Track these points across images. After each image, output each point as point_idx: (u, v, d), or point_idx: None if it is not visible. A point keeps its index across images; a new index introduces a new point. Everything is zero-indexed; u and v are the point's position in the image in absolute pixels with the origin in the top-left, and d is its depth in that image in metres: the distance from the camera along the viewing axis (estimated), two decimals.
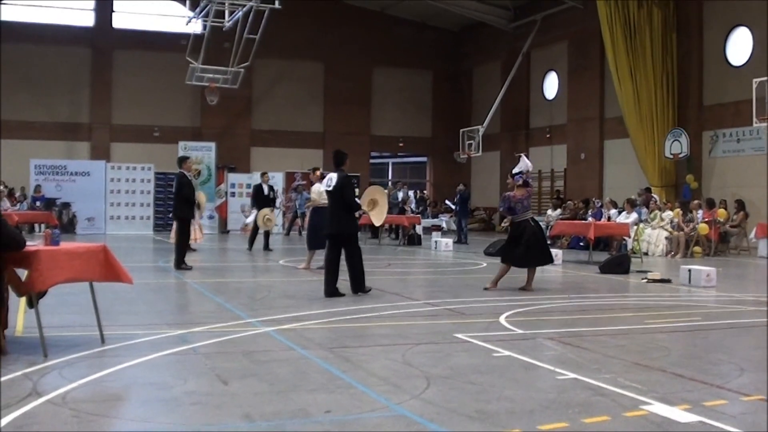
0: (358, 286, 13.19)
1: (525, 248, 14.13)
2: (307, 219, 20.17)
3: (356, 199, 13.80)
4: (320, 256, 17.88)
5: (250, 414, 5.92)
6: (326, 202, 17.68)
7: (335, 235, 13.28)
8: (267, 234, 23.58)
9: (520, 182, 14.53)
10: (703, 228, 23.90)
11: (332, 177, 13.41)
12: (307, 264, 17.90)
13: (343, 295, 12.99)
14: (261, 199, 23.73)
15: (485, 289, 14.00)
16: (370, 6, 41.78)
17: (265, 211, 23.14)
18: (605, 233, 23.13)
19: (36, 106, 37.30)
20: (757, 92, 24.54)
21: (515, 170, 14.99)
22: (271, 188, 24.41)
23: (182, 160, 18.50)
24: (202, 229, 23.54)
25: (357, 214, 13.47)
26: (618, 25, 29.35)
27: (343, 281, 13.31)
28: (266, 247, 23.24)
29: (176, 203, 18.07)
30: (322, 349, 8.36)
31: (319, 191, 17.86)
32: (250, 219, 24.71)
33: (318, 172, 18.64)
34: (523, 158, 15.40)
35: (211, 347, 8.49)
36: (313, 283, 15.21)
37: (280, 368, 7.46)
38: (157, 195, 34.31)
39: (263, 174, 25.02)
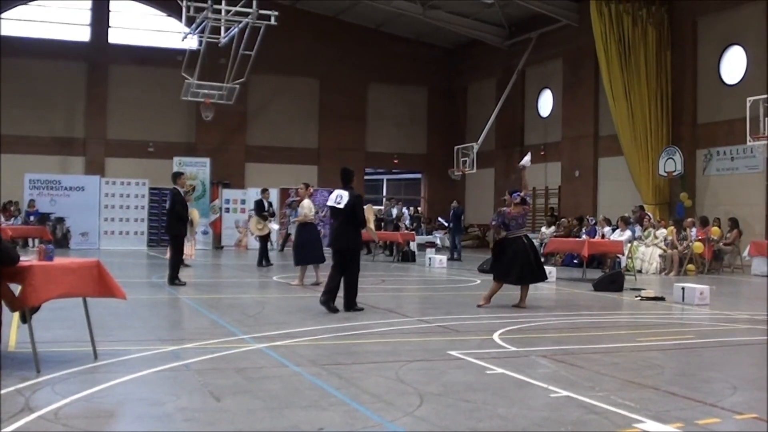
0: (351, 303, 13.22)
1: (519, 266, 14.11)
2: (293, 235, 20.18)
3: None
4: (311, 272, 18.05)
5: (242, 431, 5.91)
6: (313, 218, 17.90)
7: (343, 250, 13.36)
8: (264, 247, 23.60)
9: (518, 200, 14.50)
10: (698, 247, 23.94)
11: (342, 195, 13.53)
12: (299, 280, 17.90)
13: (337, 310, 13.01)
14: (261, 214, 23.91)
15: (478, 306, 13.98)
16: (366, 23, 41.89)
17: (259, 219, 23.31)
18: (599, 251, 23.15)
19: (31, 121, 37.31)
20: (751, 111, 24.61)
21: (522, 163, 15.02)
22: (270, 204, 24.63)
23: (176, 176, 18.53)
24: (194, 246, 23.57)
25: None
26: (612, 42, 29.45)
27: (339, 297, 13.32)
28: (261, 262, 23.23)
29: (169, 220, 18.05)
30: (315, 366, 8.35)
31: (310, 207, 17.99)
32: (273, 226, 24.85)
33: (310, 189, 18.74)
34: (527, 157, 15.40)
35: (203, 363, 8.47)
36: (306, 299, 15.23)
37: (272, 385, 7.44)
38: (151, 210, 34.28)
39: (264, 190, 25.17)
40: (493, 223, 14.81)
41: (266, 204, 24.20)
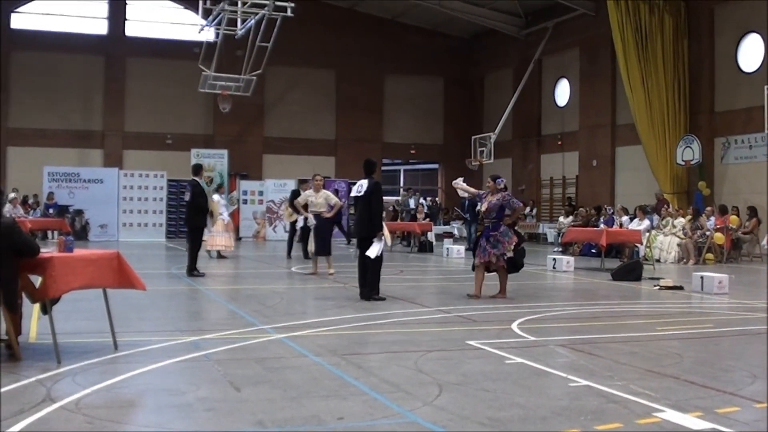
0: (371, 292, 13.27)
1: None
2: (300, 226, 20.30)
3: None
4: (322, 263, 18.10)
5: (262, 420, 5.94)
6: (325, 209, 18.00)
7: (363, 238, 13.50)
8: (291, 237, 23.56)
9: (501, 186, 14.24)
10: (718, 237, 23.82)
11: (363, 183, 13.70)
12: (314, 270, 18.04)
13: (384, 298, 13.26)
14: (293, 204, 23.92)
15: (468, 296, 13.84)
16: (382, 14, 41.84)
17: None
18: (617, 240, 23.09)
19: (49, 114, 37.48)
20: None
21: (455, 182, 14.83)
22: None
23: (197, 168, 18.65)
24: (232, 237, 23.64)
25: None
26: (629, 31, 29.33)
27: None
28: (289, 254, 23.24)
29: (190, 212, 18.08)
30: (334, 356, 8.37)
31: (327, 197, 18.16)
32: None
33: (319, 178, 18.76)
34: (459, 183, 15.10)
35: (223, 354, 8.51)
36: (324, 289, 15.28)
37: (292, 375, 7.47)
38: (169, 202, 34.35)
39: (303, 181, 25.12)
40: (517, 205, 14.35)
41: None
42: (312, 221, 18.01)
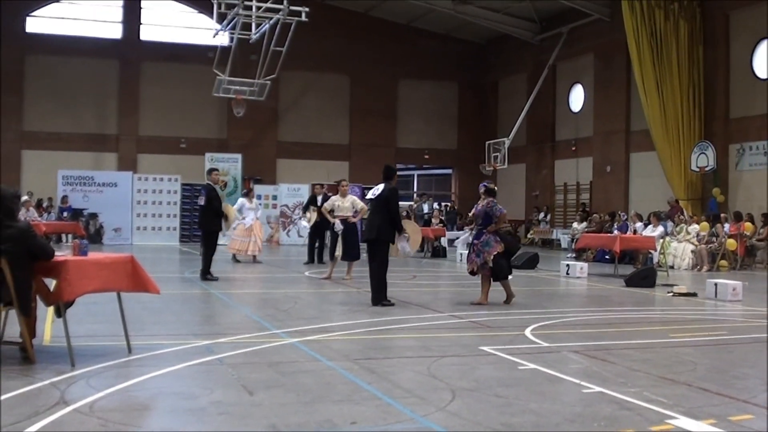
0: (378, 297, 13.27)
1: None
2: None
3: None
4: (338, 268, 18.17)
5: (276, 424, 5.95)
6: (351, 214, 18.10)
7: (371, 240, 13.50)
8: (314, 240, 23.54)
9: (482, 190, 14.15)
10: (731, 244, 23.77)
11: (379, 187, 13.76)
12: (329, 273, 18.20)
13: (393, 303, 13.23)
14: (305, 209, 24.02)
15: (472, 303, 13.79)
16: (396, 18, 41.86)
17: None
18: (631, 246, 23.07)
19: (64, 117, 37.61)
20: None
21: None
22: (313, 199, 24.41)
23: (210, 172, 18.79)
24: (260, 240, 23.64)
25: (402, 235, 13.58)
26: (644, 37, 29.28)
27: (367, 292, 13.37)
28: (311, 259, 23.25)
29: (205, 215, 18.11)
30: (347, 361, 8.39)
31: (353, 202, 18.33)
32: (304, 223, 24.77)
33: (345, 184, 18.94)
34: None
35: (237, 358, 8.52)
36: (337, 294, 15.30)
37: (305, 379, 7.48)
38: (183, 206, 34.42)
39: (316, 186, 25.08)
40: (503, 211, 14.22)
41: (319, 199, 23.88)
42: (339, 226, 18.05)
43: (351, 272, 18.01)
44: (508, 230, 39.89)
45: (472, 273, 14.02)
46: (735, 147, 28.90)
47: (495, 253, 13.48)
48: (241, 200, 23.17)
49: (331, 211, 18.45)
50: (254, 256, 23.12)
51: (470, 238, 14.06)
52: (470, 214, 14.02)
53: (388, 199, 13.46)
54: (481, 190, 14.05)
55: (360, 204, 18.48)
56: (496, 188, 14.41)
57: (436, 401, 6.68)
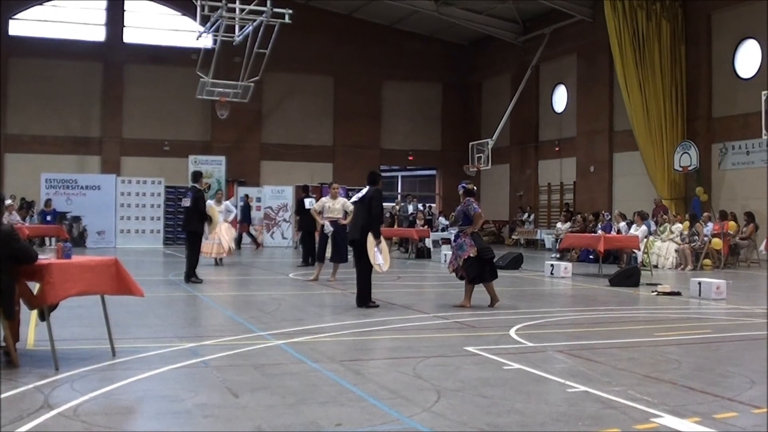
0: (363, 300, 13.27)
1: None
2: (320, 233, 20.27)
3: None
4: (325, 269, 18.20)
5: (261, 426, 5.94)
6: (341, 216, 18.15)
7: (356, 241, 13.49)
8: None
9: (461, 192, 14.05)
10: (716, 243, 23.87)
11: (363, 190, 13.86)
12: (316, 275, 18.22)
13: (377, 305, 13.25)
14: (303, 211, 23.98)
15: (455, 306, 13.68)
16: (380, 20, 41.89)
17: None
18: (615, 246, 23.10)
19: (47, 121, 37.51)
20: (766, 104, 24.47)
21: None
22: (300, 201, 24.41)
23: (198, 176, 18.86)
24: (231, 241, 23.36)
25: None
26: (627, 37, 29.40)
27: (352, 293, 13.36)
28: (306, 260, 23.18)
29: (191, 217, 18.10)
30: (332, 362, 8.38)
31: (344, 205, 18.38)
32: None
33: (335, 186, 19.10)
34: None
35: (221, 360, 8.51)
36: (322, 296, 15.29)
37: (290, 381, 7.47)
38: (167, 209, 34.30)
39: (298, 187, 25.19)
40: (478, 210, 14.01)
41: (306, 202, 23.90)
42: (329, 228, 18.10)
43: (336, 274, 18.05)
44: (492, 230, 40.10)
45: (456, 274, 13.93)
46: (718, 146, 29.04)
47: (466, 257, 13.33)
48: (209, 203, 22.90)
49: (320, 213, 18.51)
50: (215, 259, 22.48)
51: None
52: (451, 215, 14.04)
53: (372, 199, 13.47)
54: (460, 191, 14.00)
55: (351, 206, 18.49)
56: (474, 188, 14.29)
57: (422, 402, 6.68)
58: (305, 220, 23.77)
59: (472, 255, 13.26)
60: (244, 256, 28.60)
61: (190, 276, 17.41)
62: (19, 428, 5.76)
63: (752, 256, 25.34)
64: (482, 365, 8.37)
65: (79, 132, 38.38)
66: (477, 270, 13.35)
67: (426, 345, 9.67)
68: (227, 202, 24.20)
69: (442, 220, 37.58)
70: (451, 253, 14.16)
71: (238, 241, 30.46)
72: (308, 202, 23.70)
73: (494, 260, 14.07)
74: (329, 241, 18.34)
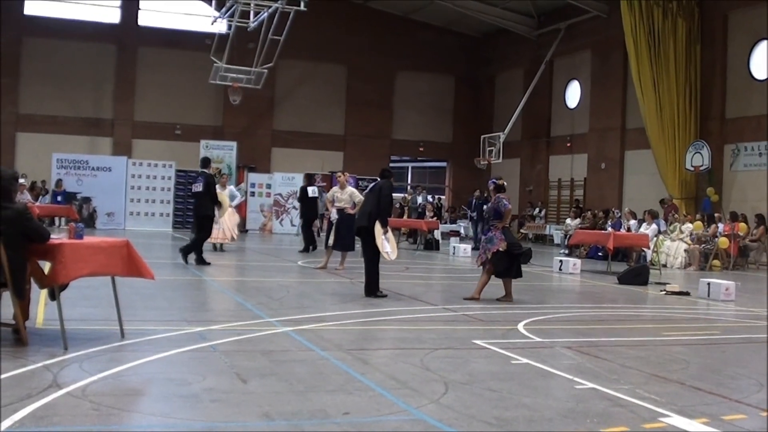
0: (371, 289, 13.28)
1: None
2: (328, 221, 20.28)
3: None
4: (334, 257, 18.24)
5: (269, 413, 5.94)
6: (349, 206, 18.20)
7: (364, 228, 13.49)
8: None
9: (492, 187, 14.14)
10: (723, 242, 23.82)
11: (376, 180, 14.05)
12: (325, 263, 18.25)
13: (385, 295, 13.26)
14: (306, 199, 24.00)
15: (464, 299, 13.66)
16: (394, 10, 41.80)
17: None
18: (624, 244, 23.04)
19: (60, 101, 37.51)
20: None
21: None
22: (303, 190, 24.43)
23: (206, 162, 18.97)
24: (228, 231, 23.24)
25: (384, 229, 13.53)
26: (642, 35, 29.27)
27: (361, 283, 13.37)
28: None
29: (203, 201, 18.22)
30: (340, 351, 8.38)
31: (352, 194, 18.42)
32: None
33: (340, 175, 19.14)
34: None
35: (230, 345, 8.52)
36: (330, 284, 15.29)
37: (298, 368, 7.47)
38: (177, 192, 34.32)
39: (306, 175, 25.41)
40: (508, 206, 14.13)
41: (309, 191, 23.98)
42: (335, 215, 18.17)
43: (344, 263, 18.09)
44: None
45: (482, 266, 13.90)
46: (730, 147, 28.93)
47: (495, 250, 13.39)
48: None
49: (332, 202, 18.60)
50: (215, 245, 22.00)
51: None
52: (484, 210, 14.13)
53: (382, 189, 13.49)
54: (491, 186, 14.10)
55: (358, 197, 18.49)
56: (504, 184, 14.34)
57: (429, 393, 6.68)
58: (306, 208, 23.93)
59: (501, 249, 13.31)
60: (252, 241, 28.62)
61: (189, 252, 17.75)
62: (28, 406, 5.77)
63: (761, 259, 25.25)
64: (490, 359, 8.37)
65: (91, 113, 38.38)
66: (505, 264, 13.41)
67: (434, 337, 9.67)
68: (231, 187, 24.19)
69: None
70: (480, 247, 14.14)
71: (242, 225, 30.47)
72: (311, 191, 23.81)
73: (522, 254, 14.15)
74: (333, 229, 18.40)
